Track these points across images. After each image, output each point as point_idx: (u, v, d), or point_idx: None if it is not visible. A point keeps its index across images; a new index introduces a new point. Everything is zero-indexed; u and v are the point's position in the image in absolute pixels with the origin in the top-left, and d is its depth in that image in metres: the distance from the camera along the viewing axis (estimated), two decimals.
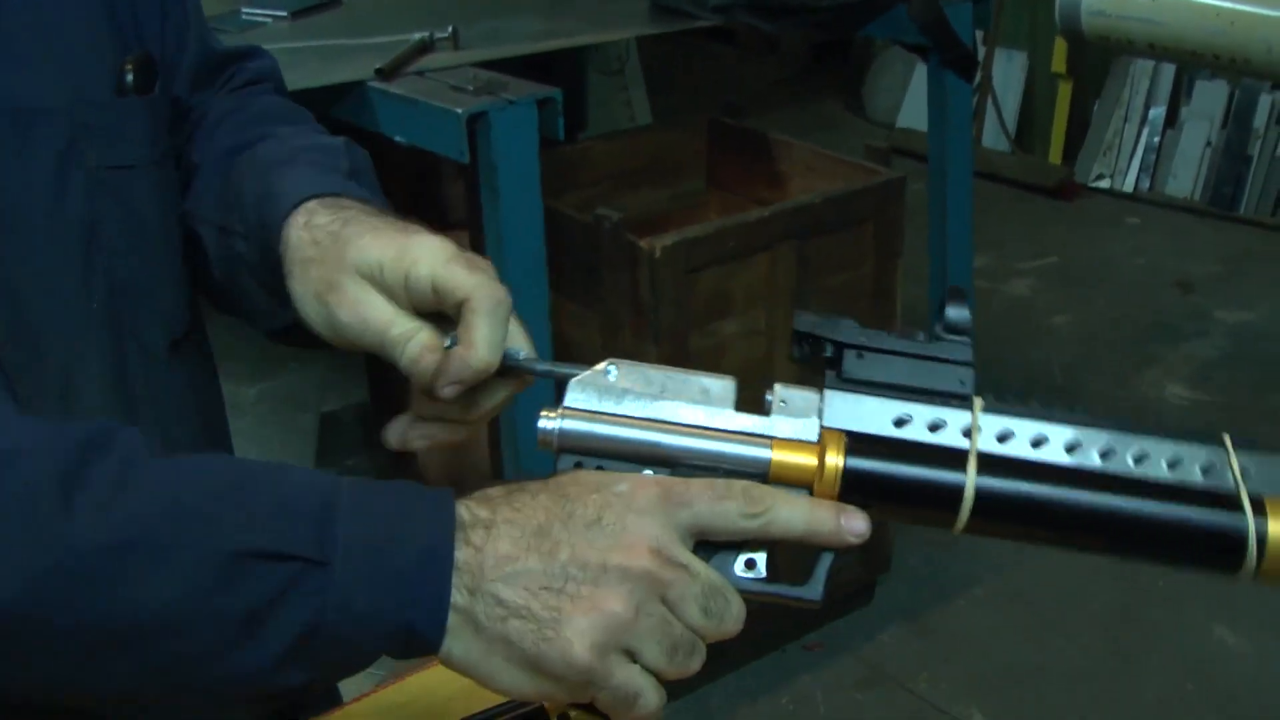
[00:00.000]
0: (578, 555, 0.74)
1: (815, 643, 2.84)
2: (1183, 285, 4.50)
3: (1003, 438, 0.78)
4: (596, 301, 2.41)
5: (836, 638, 2.86)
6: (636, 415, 0.79)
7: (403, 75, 2.33)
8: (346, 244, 0.89)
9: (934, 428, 0.78)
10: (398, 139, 2.29)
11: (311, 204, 0.94)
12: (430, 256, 0.86)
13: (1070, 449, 0.77)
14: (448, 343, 0.85)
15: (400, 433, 0.91)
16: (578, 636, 0.72)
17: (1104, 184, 5.30)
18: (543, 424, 0.79)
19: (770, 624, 2.74)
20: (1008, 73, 5.50)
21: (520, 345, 0.88)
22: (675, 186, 2.95)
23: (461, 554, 0.74)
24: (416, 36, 2.43)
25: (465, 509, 0.76)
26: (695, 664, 0.76)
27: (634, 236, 2.32)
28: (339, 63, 2.38)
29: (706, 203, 2.97)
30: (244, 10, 2.69)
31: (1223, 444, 0.77)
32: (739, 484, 0.77)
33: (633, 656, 0.74)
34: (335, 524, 0.73)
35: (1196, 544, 0.76)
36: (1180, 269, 4.62)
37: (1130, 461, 0.77)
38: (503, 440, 2.45)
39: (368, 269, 0.88)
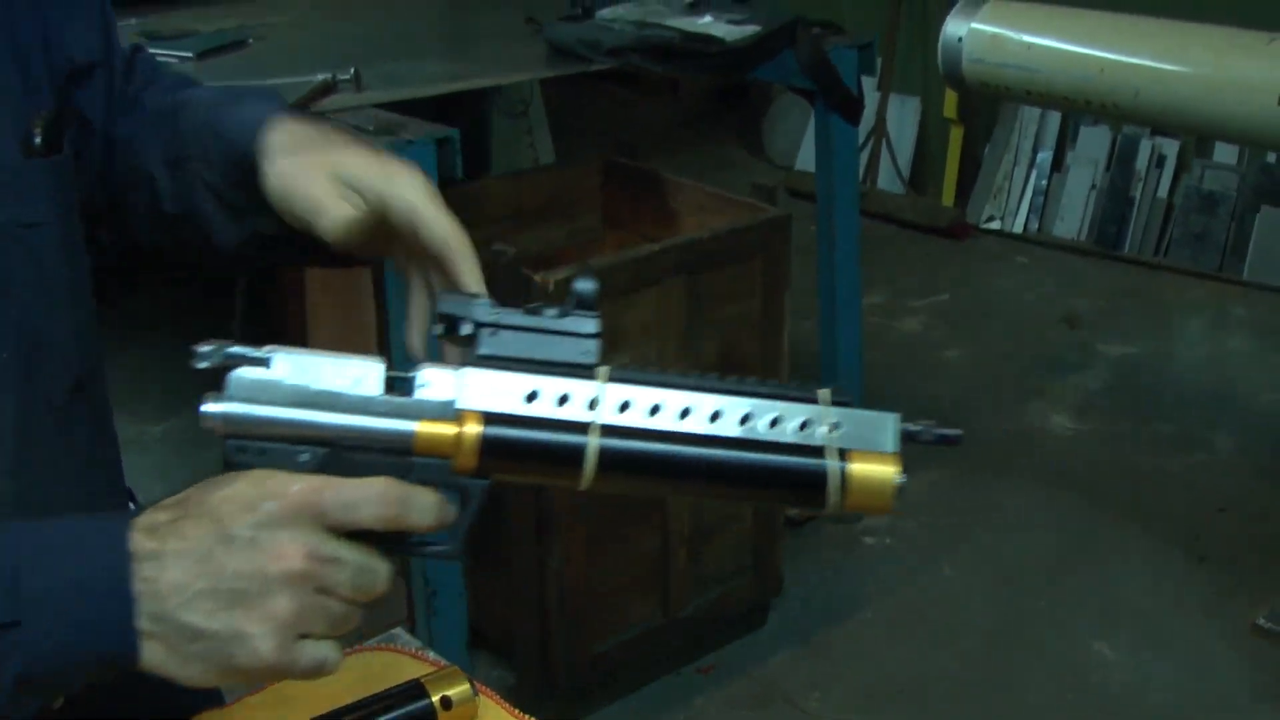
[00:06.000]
0: (242, 572, 0.82)
1: (708, 665, 2.92)
2: (1069, 321, 4.67)
3: (623, 407, 0.88)
4: None
5: (730, 659, 2.94)
6: (295, 399, 0.87)
7: None
8: (328, 147, 1.00)
9: (562, 400, 0.87)
10: None
11: (283, 117, 1.04)
12: (414, 191, 0.98)
13: (683, 414, 0.88)
14: (440, 329, 0.91)
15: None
16: (261, 642, 0.82)
17: (995, 225, 5.47)
18: (205, 409, 0.86)
19: (664, 647, 2.82)
20: (901, 118, 5.68)
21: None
22: (572, 224, 3.04)
23: (138, 587, 0.82)
24: (319, 78, 2.51)
25: (135, 541, 0.83)
26: (355, 620, 0.86)
27: (529, 271, 2.40)
28: None
29: (602, 240, 3.06)
30: (149, 50, 2.75)
31: (818, 402, 0.89)
32: (376, 489, 0.85)
33: (306, 636, 0.84)
34: (20, 583, 0.81)
35: (786, 487, 0.89)
36: (1067, 305, 4.80)
37: (737, 422, 0.88)
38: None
39: (346, 176, 0.98)
